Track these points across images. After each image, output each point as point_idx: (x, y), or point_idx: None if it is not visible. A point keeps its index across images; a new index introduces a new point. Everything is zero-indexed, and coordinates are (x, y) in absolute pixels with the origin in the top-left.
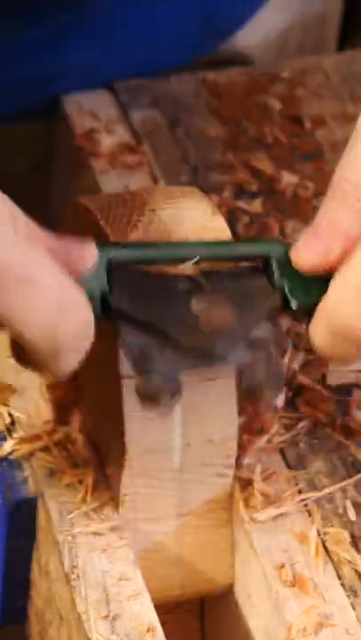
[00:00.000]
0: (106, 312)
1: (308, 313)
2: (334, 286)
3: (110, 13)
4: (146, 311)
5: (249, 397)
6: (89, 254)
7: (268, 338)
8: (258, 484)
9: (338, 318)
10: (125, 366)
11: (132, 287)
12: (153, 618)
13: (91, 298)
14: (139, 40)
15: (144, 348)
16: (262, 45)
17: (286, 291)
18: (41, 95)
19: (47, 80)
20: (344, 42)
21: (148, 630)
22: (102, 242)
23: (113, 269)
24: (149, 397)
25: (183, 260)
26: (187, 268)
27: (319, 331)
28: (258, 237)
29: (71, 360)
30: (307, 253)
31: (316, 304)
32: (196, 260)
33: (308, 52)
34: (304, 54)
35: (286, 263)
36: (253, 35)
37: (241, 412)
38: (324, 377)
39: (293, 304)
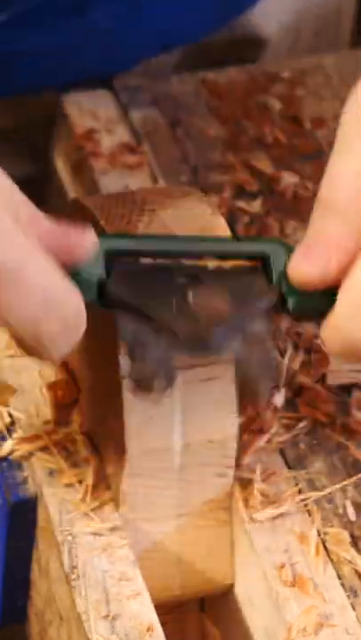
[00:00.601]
0: (103, 300)
1: (304, 314)
2: (340, 302)
3: None
4: (143, 299)
5: (242, 391)
6: (88, 241)
7: (263, 333)
8: (258, 484)
9: (347, 335)
10: (126, 366)
11: (130, 276)
12: (153, 618)
13: (88, 285)
14: (161, 10)
15: (139, 335)
16: (276, 27)
17: (283, 291)
18: (66, 65)
19: (74, 47)
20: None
21: (147, 630)
22: (103, 232)
23: (112, 259)
24: (143, 383)
25: (183, 254)
26: (186, 262)
27: (332, 345)
28: (258, 236)
29: (61, 349)
30: (304, 270)
31: (312, 306)
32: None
33: (323, 41)
34: (319, 42)
35: (285, 263)
36: (268, 16)
37: (241, 412)
38: (324, 377)
39: (290, 304)
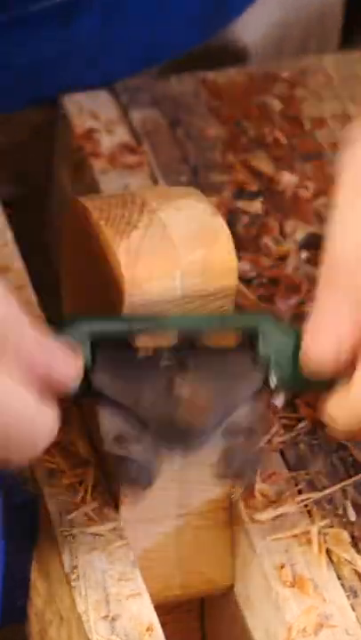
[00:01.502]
0: (86, 389)
1: (289, 386)
2: (357, 383)
3: None
4: (126, 393)
5: (226, 479)
6: (73, 370)
7: (244, 424)
8: (258, 485)
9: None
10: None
11: (115, 365)
12: (152, 618)
13: None
14: (147, 24)
15: (122, 434)
16: (259, 42)
17: (271, 364)
18: (56, 75)
19: (59, 60)
20: (347, 41)
21: (147, 630)
22: (85, 316)
23: (98, 343)
24: (129, 481)
25: (169, 333)
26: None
27: (344, 423)
28: (245, 312)
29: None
30: (317, 357)
31: (300, 378)
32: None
33: (310, 51)
34: (305, 52)
35: (272, 336)
36: (250, 30)
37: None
38: None
39: (272, 382)
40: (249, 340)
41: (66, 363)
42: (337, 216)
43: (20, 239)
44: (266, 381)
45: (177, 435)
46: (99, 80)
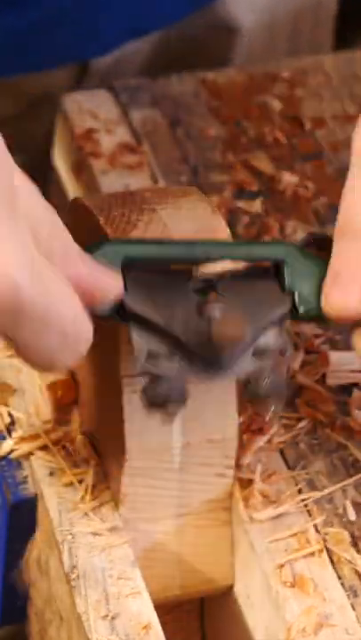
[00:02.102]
0: (119, 312)
1: (315, 317)
2: None
3: None
4: (158, 315)
5: (251, 405)
6: (114, 288)
7: (273, 346)
8: (258, 485)
9: None
10: (126, 366)
11: (145, 287)
12: (152, 617)
13: None
14: None
15: (153, 352)
16: (250, 16)
17: (296, 296)
18: (37, 47)
19: (45, 28)
20: (344, 39)
21: (147, 629)
22: (118, 238)
23: (128, 267)
24: (155, 403)
25: (198, 260)
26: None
27: None
28: (272, 240)
29: (65, 366)
30: (340, 304)
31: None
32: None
33: (303, 35)
34: (298, 25)
35: (298, 266)
36: (242, 3)
37: (241, 412)
38: (324, 377)
39: (301, 310)
40: (276, 269)
41: (108, 279)
42: (354, 174)
43: None
44: (293, 310)
45: (210, 351)
46: (89, 52)
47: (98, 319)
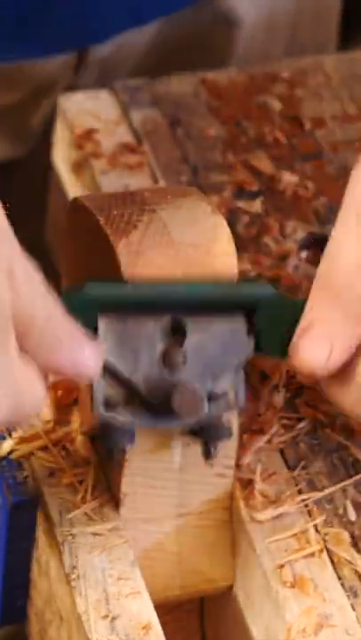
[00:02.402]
0: None
1: (278, 357)
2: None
3: None
4: (123, 364)
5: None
6: (93, 368)
7: (228, 390)
8: (258, 485)
9: None
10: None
11: (116, 332)
12: (152, 617)
13: None
14: None
15: (112, 401)
16: (252, 9)
17: (262, 342)
18: (38, 32)
19: (45, 13)
20: (348, 37)
21: (146, 629)
22: (93, 279)
23: (103, 310)
24: (106, 450)
25: (170, 303)
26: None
27: (348, 399)
28: (247, 279)
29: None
30: (308, 361)
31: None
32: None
33: (305, 32)
34: (299, 32)
35: (272, 311)
36: None
37: (241, 412)
38: None
39: (267, 354)
40: (248, 308)
41: (89, 358)
42: (342, 221)
43: (19, 201)
44: (257, 346)
45: (167, 409)
46: (89, 36)
47: None
